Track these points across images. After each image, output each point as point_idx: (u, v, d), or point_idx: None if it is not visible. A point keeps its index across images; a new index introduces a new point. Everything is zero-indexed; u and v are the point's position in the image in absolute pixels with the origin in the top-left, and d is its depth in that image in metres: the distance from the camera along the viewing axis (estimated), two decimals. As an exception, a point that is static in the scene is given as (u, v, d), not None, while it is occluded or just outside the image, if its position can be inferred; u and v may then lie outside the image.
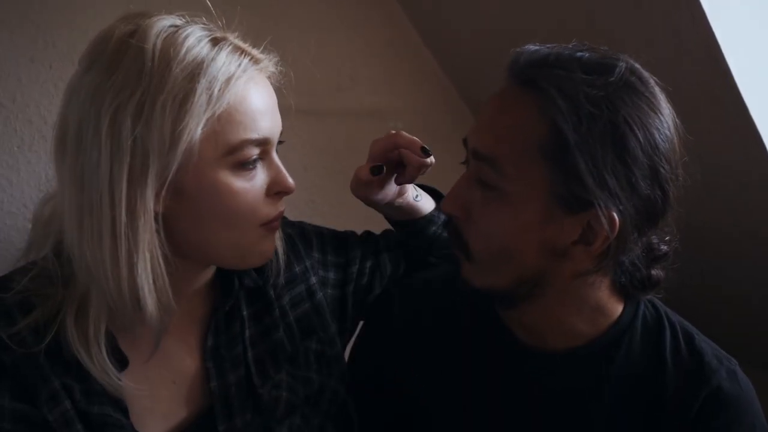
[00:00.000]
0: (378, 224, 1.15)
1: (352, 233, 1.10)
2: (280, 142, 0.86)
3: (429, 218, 1.06)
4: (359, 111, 1.59)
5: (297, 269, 0.99)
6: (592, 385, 0.88)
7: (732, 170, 1.36)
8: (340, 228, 1.10)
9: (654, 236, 0.85)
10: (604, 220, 0.76)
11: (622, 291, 0.89)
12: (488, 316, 0.94)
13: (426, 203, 1.06)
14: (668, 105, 0.80)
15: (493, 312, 0.93)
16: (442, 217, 1.08)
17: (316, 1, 1.48)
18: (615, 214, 0.76)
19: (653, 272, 0.87)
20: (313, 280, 1.00)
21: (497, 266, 0.83)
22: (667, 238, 0.86)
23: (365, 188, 1.00)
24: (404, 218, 1.07)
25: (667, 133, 0.78)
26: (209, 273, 0.91)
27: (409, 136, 0.97)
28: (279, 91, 0.85)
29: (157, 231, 0.77)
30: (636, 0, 1.22)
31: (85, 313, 0.79)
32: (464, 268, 0.87)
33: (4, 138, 1.15)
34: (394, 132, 0.98)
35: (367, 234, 1.13)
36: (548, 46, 0.80)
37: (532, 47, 0.81)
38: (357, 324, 1.07)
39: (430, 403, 0.96)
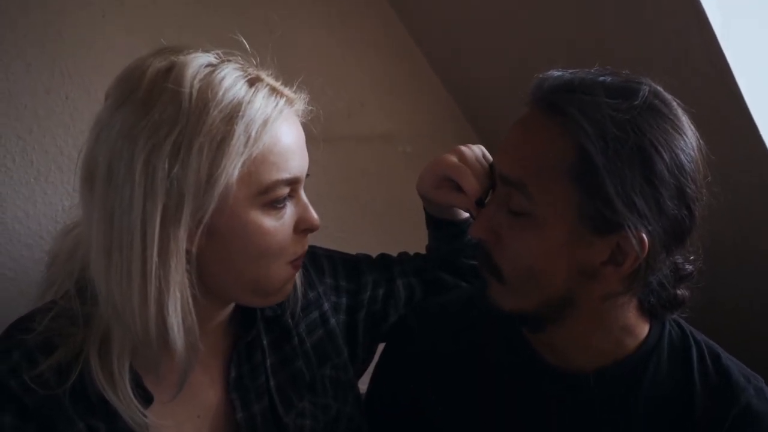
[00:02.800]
0: (391, 250, 1.15)
1: (365, 257, 1.10)
2: (306, 176, 0.86)
3: (470, 223, 1.04)
4: (370, 136, 1.60)
5: (311, 296, 0.99)
6: (619, 406, 0.88)
7: (741, 184, 1.37)
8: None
9: (679, 256, 0.85)
10: (633, 241, 0.76)
11: (648, 311, 0.89)
12: (512, 336, 0.94)
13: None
14: (691, 126, 0.81)
15: (517, 332, 0.93)
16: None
17: (325, 32, 1.51)
18: (644, 235, 0.77)
19: (679, 291, 0.87)
20: (326, 306, 1.00)
21: (527, 288, 0.83)
22: (691, 257, 0.87)
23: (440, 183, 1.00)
24: (448, 218, 1.06)
25: (692, 153, 0.79)
26: (231, 308, 0.91)
27: (471, 180, 0.93)
28: (306, 126, 0.86)
29: (188, 271, 0.76)
30: (646, 23, 1.24)
31: (108, 350, 0.79)
32: (494, 291, 0.87)
33: (21, 170, 1.16)
34: (459, 162, 0.96)
35: (382, 258, 1.12)
36: (570, 71, 0.81)
37: (555, 72, 0.82)
38: (369, 350, 1.07)
39: (452, 426, 0.95)
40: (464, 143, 1.70)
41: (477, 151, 0.98)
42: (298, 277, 0.93)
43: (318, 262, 1.03)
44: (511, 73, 1.50)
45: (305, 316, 0.98)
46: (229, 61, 0.80)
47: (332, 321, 1.00)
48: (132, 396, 0.78)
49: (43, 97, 1.18)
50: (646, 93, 0.78)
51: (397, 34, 1.61)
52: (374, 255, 1.12)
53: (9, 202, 1.15)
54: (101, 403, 0.79)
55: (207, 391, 0.89)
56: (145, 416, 0.79)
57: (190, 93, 0.74)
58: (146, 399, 0.81)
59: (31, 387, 0.77)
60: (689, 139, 0.79)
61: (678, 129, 0.78)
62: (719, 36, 1.16)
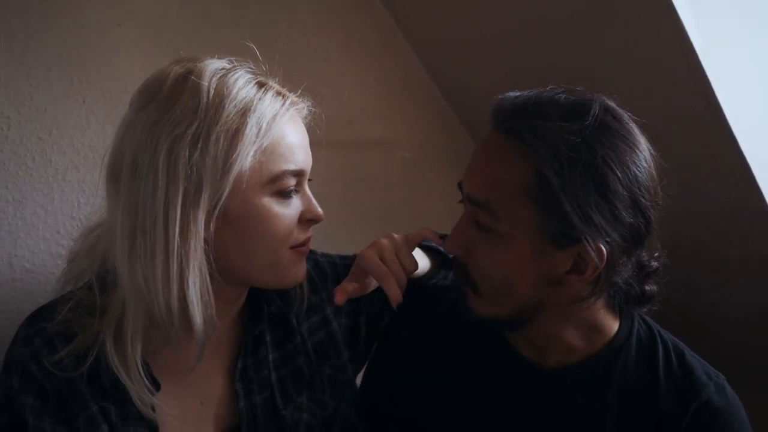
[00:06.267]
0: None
1: None
2: (309, 180, 0.93)
3: (429, 276, 1.08)
4: (370, 142, 1.64)
5: (314, 299, 1.04)
6: (590, 400, 0.93)
7: (723, 200, 1.42)
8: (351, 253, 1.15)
9: (644, 254, 0.90)
10: (592, 252, 0.82)
11: (617, 309, 0.94)
12: (493, 335, 0.99)
13: (423, 264, 1.05)
14: (642, 136, 0.86)
15: (498, 332, 0.98)
16: (441, 272, 1.11)
17: (329, 43, 1.55)
18: (602, 246, 0.82)
19: (647, 288, 0.92)
20: (329, 310, 1.06)
21: (501, 297, 0.89)
22: (656, 254, 0.92)
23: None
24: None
25: (644, 164, 0.84)
26: (242, 300, 0.97)
27: (392, 288, 0.94)
28: (311, 129, 0.94)
29: (206, 251, 0.83)
30: (633, 47, 1.29)
31: (122, 334, 0.85)
32: (472, 302, 0.92)
33: (40, 168, 1.20)
34: (380, 265, 0.95)
35: None
36: (527, 92, 0.86)
37: (512, 94, 0.87)
38: (367, 348, 1.11)
39: (439, 422, 1.00)
40: (459, 150, 1.77)
41: (399, 242, 0.98)
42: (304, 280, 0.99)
43: (321, 268, 1.09)
44: (505, 84, 1.56)
45: (308, 318, 1.03)
46: (241, 66, 0.89)
47: (334, 324, 1.05)
48: (142, 377, 0.84)
49: (62, 101, 1.22)
50: (597, 110, 0.83)
51: (398, 46, 1.66)
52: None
53: (29, 199, 1.20)
54: (113, 388, 0.86)
55: (212, 381, 0.95)
56: (154, 394, 0.85)
57: (208, 91, 0.83)
58: (155, 386, 0.87)
59: (51, 371, 0.84)
60: (641, 151, 0.84)
61: (629, 143, 0.83)
62: (701, 56, 1.21)
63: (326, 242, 1.48)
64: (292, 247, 0.91)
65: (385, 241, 0.98)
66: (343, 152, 1.60)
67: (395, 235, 1.00)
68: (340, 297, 0.96)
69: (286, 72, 0.93)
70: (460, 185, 0.92)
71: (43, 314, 0.88)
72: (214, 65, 0.86)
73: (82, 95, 1.25)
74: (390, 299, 0.95)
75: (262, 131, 0.84)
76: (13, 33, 1.18)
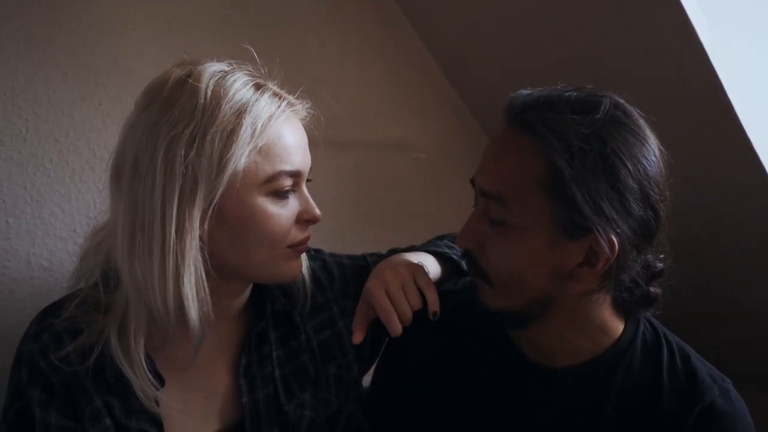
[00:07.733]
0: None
1: (375, 263, 1.13)
2: (308, 180, 0.94)
3: (439, 284, 1.07)
4: (384, 143, 1.65)
5: (320, 299, 1.06)
6: (594, 401, 0.93)
7: (735, 194, 1.41)
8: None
9: (650, 255, 0.90)
10: (604, 243, 0.82)
11: (622, 310, 0.94)
12: (498, 336, 0.99)
13: (434, 271, 1.06)
14: (652, 132, 0.86)
15: (502, 333, 0.99)
16: (452, 279, 1.11)
17: (340, 43, 1.56)
18: (613, 237, 0.82)
19: (651, 289, 0.92)
20: (335, 309, 1.07)
21: (513, 289, 0.89)
22: (662, 256, 0.92)
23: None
24: None
25: (653, 158, 0.84)
26: (244, 297, 0.99)
27: (393, 325, 0.96)
28: (310, 131, 0.95)
29: (201, 249, 0.85)
30: (643, 45, 1.29)
31: (126, 329, 0.87)
32: (484, 293, 0.93)
33: (57, 169, 1.24)
34: (384, 300, 0.97)
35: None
36: (539, 89, 0.87)
37: (524, 91, 0.88)
38: (375, 349, 1.12)
39: (443, 421, 1.01)
40: (476, 150, 1.74)
41: (406, 277, 0.98)
42: (307, 275, 1.01)
43: (328, 269, 1.10)
44: (521, 81, 1.55)
45: (314, 317, 1.05)
46: (239, 68, 0.91)
47: (340, 324, 1.06)
48: (146, 371, 0.86)
49: (79, 104, 1.25)
50: (608, 106, 0.83)
51: (412, 44, 1.66)
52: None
53: (46, 199, 1.23)
54: (117, 382, 0.88)
55: (216, 376, 0.97)
56: (158, 389, 0.87)
57: (206, 92, 0.85)
58: (159, 381, 0.89)
59: (58, 366, 0.86)
60: (650, 145, 0.84)
61: (639, 137, 0.84)
62: (711, 55, 1.20)
63: (338, 242, 1.50)
64: (289, 246, 0.92)
65: (390, 275, 0.98)
66: (356, 152, 1.61)
67: (402, 269, 0.99)
68: (358, 337, 0.99)
69: (301, 74, 0.94)
70: (472, 181, 0.93)
71: (52, 310, 0.91)
72: (213, 68, 0.88)
73: (98, 98, 1.28)
74: (389, 332, 0.96)
75: (257, 132, 0.86)
76: (31, 38, 1.21)
